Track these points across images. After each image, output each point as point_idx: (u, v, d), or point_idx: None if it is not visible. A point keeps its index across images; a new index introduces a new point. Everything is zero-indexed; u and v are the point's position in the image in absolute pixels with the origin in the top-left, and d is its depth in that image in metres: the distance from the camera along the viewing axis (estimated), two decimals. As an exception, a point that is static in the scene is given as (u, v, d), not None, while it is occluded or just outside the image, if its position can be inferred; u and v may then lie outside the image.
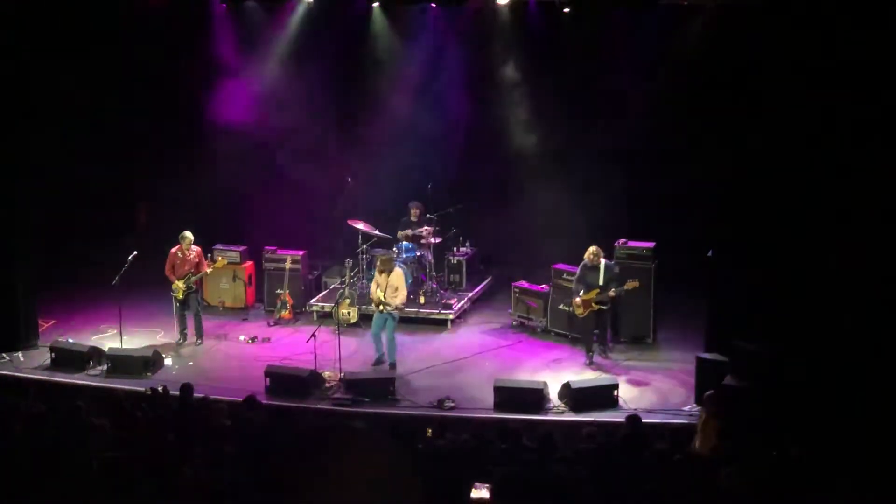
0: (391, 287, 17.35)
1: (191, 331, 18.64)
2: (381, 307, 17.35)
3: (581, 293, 17.41)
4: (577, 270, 17.70)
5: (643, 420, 13.15)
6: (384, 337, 17.52)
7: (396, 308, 17.48)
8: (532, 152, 21.00)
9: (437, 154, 21.05)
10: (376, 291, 17.47)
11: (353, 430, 2.21)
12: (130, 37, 20.64)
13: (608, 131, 20.23)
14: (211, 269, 18.85)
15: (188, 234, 18.43)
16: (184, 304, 18.52)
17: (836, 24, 14.74)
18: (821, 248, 14.71)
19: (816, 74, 14.80)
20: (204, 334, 18.70)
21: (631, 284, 17.27)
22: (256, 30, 21.50)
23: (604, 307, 17.41)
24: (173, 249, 18.43)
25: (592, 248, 17.41)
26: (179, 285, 18.27)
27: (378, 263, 17.74)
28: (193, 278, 18.37)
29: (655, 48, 19.78)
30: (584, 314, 17.46)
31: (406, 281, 19.57)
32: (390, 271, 17.49)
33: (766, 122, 15.35)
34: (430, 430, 14.10)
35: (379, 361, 17.45)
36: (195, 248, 18.52)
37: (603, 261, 17.42)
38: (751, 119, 15.57)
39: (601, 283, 17.29)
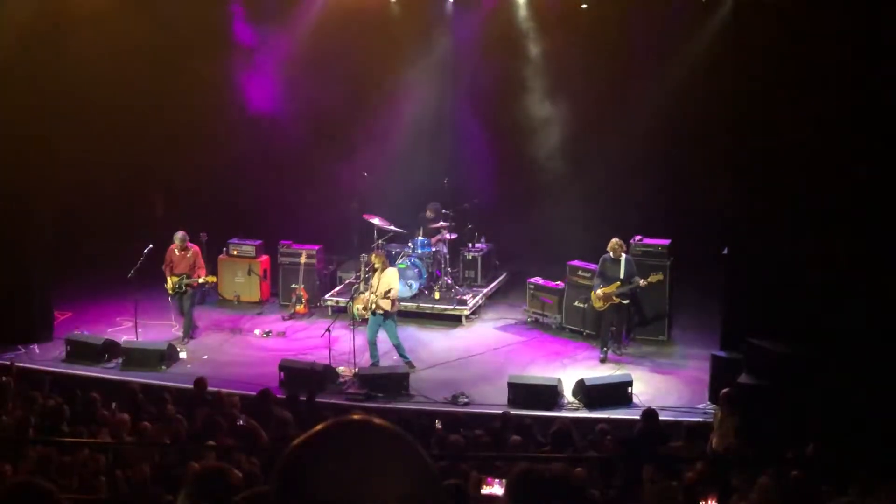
0: (384, 284, 16.92)
1: (180, 327, 18.63)
2: (373, 308, 16.97)
3: (601, 286, 17.38)
4: (599, 263, 17.67)
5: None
6: (388, 343, 17.29)
7: (388, 309, 16.92)
8: (549, 149, 20.96)
9: (453, 150, 21.04)
10: (368, 295, 17.16)
11: (375, 426, 2.18)
12: (147, 25, 20.63)
13: (625, 128, 20.20)
14: (203, 280, 18.49)
15: (179, 234, 18.34)
16: (177, 301, 18.48)
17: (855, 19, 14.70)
18: (836, 245, 14.65)
19: (835, 69, 14.75)
20: (191, 335, 18.55)
21: (655, 277, 17.26)
22: (275, 22, 21.49)
23: (623, 302, 17.38)
24: (171, 246, 18.36)
25: (615, 241, 17.37)
26: (170, 282, 18.21)
27: (372, 261, 17.33)
28: (186, 281, 18.23)
29: (672, 46, 19.75)
30: (604, 308, 17.44)
31: (422, 277, 19.57)
32: (384, 269, 17.12)
33: (782, 117, 15.29)
34: (438, 422, 14.15)
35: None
36: (192, 247, 18.42)
37: (624, 255, 17.39)
38: (767, 115, 15.51)
39: (622, 276, 17.26)
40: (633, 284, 17.22)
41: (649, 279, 17.23)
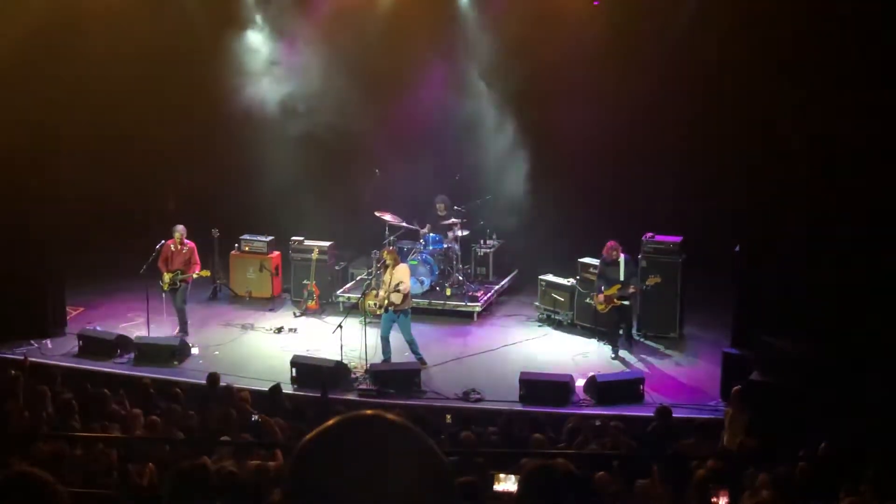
0: (395, 280, 16.93)
1: (176, 324, 18.60)
2: (386, 305, 17.00)
3: (602, 289, 17.38)
4: (598, 266, 17.70)
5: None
6: (400, 340, 17.28)
7: (400, 304, 16.92)
8: (559, 145, 20.92)
9: (465, 146, 21.04)
10: (380, 292, 17.23)
11: (387, 421, 2.16)
12: (161, 23, 20.65)
13: (637, 125, 20.17)
14: (197, 276, 18.46)
15: (179, 228, 18.31)
16: (172, 297, 18.43)
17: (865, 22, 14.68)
18: (848, 243, 14.62)
19: (848, 67, 14.72)
20: (188, 329, 18.50)
21: (652, 280, 17.27)
22: (286, 18, 21.51)
23: (625, 303, 17.36)
24: (167, 242, 18.33)
25: (611, 244, 17.38)
26: (166, 278, 18.19)
27: (384, 258, 17.38)
28: (181, 276, 18.19)
29: (685, 44, 19.71)
30: (606, 310, 17.43)
31: (433, 273, 19.56)
32: (395, 265, 17.14)
33: (796, 115, 15.27)
34: (448, 416, 14.15)
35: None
36: (188, 243, 18.36)
37: (622, 256, 17.39)
38: (781, 112, 15.49)
39: (621, 278, 17.26)
40: (633, 288, 17.19)
41: (647, 282, 17.28)
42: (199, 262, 18.44)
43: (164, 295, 18.50)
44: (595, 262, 18.35)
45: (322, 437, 2.29)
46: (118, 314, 19.41)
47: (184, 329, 18.41)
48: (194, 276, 18.32)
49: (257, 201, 21.80)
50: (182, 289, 18.31)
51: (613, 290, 17.28)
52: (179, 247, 18.22)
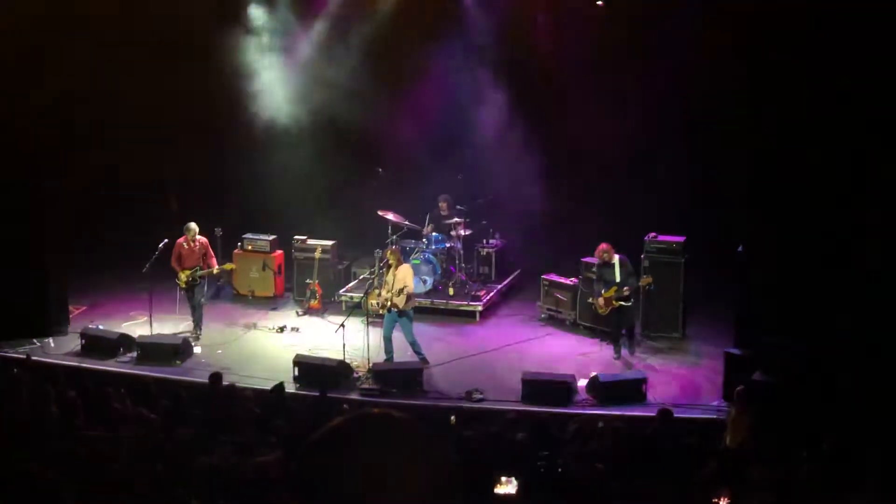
0: (398, 282, 16.93)
1: (182, 321, 18.64)
2: (388, 305, 17.02)
3: (602, 291, 17.38)
4: (595, 269, 17.71)
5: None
6: (402, 339, 17.25)
7: (403, 306, 16.92)
8: (563, 144, 20.91)
9: (468, 147, 21.02)
10: (382, 292, 17.23)
11: (395, 419, 2.17)
12: (162, 21, 20.65)
13: (640, 124, 20.16)
14: (217, 270, 18.63)
15: (193, 226, 18.33)
16: (188, 294, 18.46)
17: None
18: (850, 244, 14.62)
19: (849, 66, 14.72)
20: (202, 327, 18.50)
21: (645, 281, 17.31)
22: (290, 16, 21.50)
23: (625, 304, 17.35)
24: (179, 240, 18.32)
25: (603, 246, 17.39)
26: (182, 276, 18.22)
27: (387, 258, 17.42)
28: (200, 273, 18.22)
29: (687, 39, 19.70)
30: (607, 312, 17.43)
31: (436, 272, 19.56)
32: (398, 265, 17.17)
33: (799, 116, 15.27)
34: (453, 418, 14.15)
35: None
36: (200, 240, 18.40)
37: (617, 256, 17.40)
38: (784, 114, 15.49)
39: (618, 279, 17.26)
40: (627, 289, 17.21)
41: (640, 283, 17.33)
42: (214, 255, 18.54)
43: (179, 293, 18.50)
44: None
45: (331, 436, 2.30)
46: (121, 313, 19.41)
47: (198, 326, 18.42)
48: (215, 271, 18.42)
49: (260, 200, 21.80)
50: (200, 286, 18.34)
51: (611, 292, 17.27)
52: (193, 244, 18.24)
